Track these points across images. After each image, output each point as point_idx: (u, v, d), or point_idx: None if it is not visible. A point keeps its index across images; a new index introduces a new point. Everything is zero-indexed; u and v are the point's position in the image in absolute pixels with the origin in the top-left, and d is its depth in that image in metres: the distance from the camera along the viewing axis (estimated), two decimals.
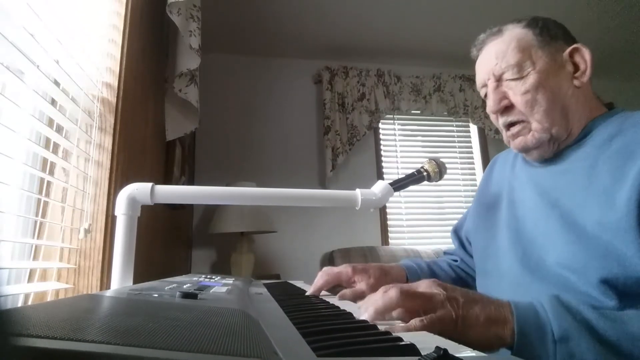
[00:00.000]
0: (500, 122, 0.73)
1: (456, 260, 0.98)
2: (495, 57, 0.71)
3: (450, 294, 0.50)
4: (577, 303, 0.49)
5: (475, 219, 0.88)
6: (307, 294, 0.73)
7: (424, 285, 0.51)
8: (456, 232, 0.99)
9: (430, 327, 0.45)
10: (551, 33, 0.70)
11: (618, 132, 0.63)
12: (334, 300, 0.66)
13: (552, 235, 0.64)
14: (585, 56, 0.69)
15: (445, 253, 1.05)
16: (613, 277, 0.54)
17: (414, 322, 0.45)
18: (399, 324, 0.46)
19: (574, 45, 0.70)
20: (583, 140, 0.68)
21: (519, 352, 0.46)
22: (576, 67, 0.70)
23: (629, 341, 0.45)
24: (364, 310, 0.49)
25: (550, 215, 0.65)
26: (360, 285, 0.76)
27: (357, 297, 0.70)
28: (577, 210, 0.61)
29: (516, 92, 0.69)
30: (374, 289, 0.74)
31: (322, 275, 0.76)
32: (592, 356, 0.44)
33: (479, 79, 0.76)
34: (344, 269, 0.77)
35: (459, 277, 0.94)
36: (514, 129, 0.71)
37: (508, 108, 0.71)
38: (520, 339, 0.46)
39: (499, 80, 0.71)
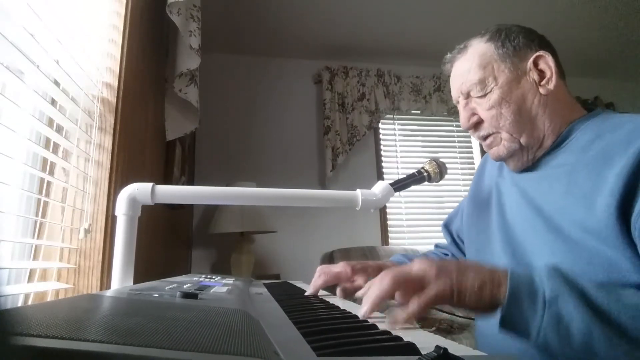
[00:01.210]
0: (474, 136, 0.76)
1: (447, 255, 0.97)
2: (461, 75, 0.73)
3: (443, 266, 0.51)
4: (575, 273, 0.49)
5: (469, 219, 0.88)
6: (306, 294, 0.73)
7: (416, 266, 0.52)
8: (447, 227, 0.98)
9: (427, 304, 0.47)
10: (514, 43, 0.70)
11: (597, 136, 0.63)
12: (334, 300, 0.66)
13: (539, 241, 0.64)
14: (549, 63, 0.69)
15: (436, 246, 1.04)
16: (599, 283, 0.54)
17: (412, 303, 0.47)
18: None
19: (537, 53, 0.69)
20: (562, 145, 0.68)
21: (510, 313, 0.47)
22: (542, 75, 0.69)
23: (620, 309, 0.44)
24: (364, 303, 0.50)
25: (536, 222, 0.65)
26: (360, 282, 0.76)
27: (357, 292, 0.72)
28: (559, 216, 0.61)
29: (483, 108, 0.71)
30: None
31: (321, 275, 0.75)
32: (579, 318, 0.44)
33: (452, 95, 0.78)
34: (342, 269, 0.77)
35: None
36: (488, 141, 0.73)
37: (478, 124, 0.73)
38: (511, 299, 0.47)
39: (467, 97, 0.73)
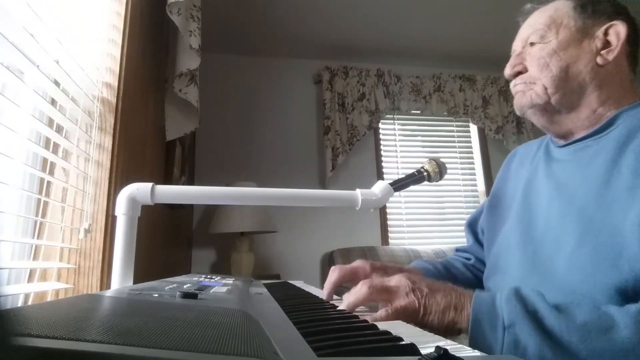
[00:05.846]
0: (511, 84, 0.76)
1: (469, 259, 0.93)
2: (531, 25, 0.74)
3: (416, 285, 0.54)
4: (535, 295, 0.50)
5: (490, 214, 0.85)
6: (324, 291, 0.69)
7: (395, 279, 0.55)
8: (471, 226, 0.95)
9: (394, 316, 0.51)
10: (595, 8, 0.70)
11: None
12: (333, 300, 0.66)
13: (565, 234, 0.61)
14: (620, 34, 0.66)
15: (457, 250, 1.00)
16: (623, 281, 0.51)
17: (380, 312, 0.51)
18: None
19: (612, 22, 0.67)
20: (607, 131, 0.64)
21: (474, 337, 0.50)
22: (607, 45, 0.67)
23: (571, 330, 0.45)
24: (341, 305, 0.54)
25: (566, 212, 0.62)
26: None
27: None
28: (594, 207, 0.58)
29: (533, 57, 0.71)
30: None
31: (337, 271, 0.72)
32: (533, 342, 0.46)
33: (513, 45, 0.78)
34: (361, 265, 0.75)
35: (476, 277, 0.89)
36: (520, 87, 0.73)
37: (520, 73, 0.73)
38: (474, 325, 0.50)
39: (523, 47, 0.74)
